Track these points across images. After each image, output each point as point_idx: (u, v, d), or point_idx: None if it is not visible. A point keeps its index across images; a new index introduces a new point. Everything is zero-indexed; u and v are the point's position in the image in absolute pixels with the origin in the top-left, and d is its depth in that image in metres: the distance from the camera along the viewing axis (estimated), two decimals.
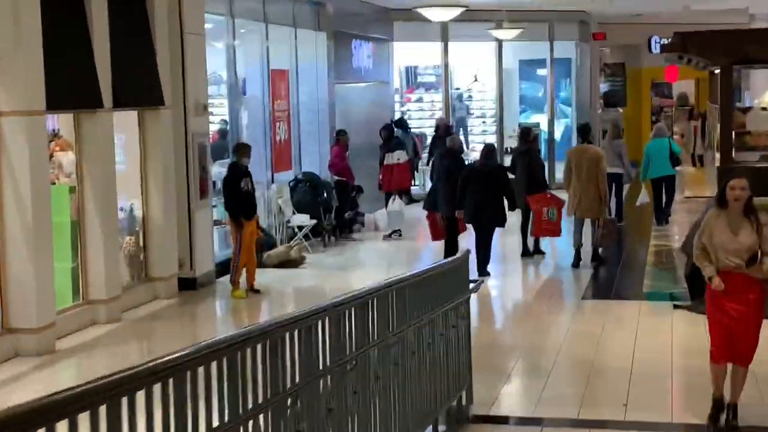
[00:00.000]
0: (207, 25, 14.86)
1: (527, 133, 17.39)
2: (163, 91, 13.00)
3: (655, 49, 29.21)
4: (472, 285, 8.33)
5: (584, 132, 16.50)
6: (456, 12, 15.97)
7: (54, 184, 11.73)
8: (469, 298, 8.31)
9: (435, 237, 15.65)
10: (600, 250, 15.27)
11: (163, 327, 12.21)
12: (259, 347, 4.27)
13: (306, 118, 18.89)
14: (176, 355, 3.56)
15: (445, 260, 8.04)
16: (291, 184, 17.39)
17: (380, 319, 6.05)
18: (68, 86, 10.97)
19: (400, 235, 18.23)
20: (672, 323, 11.15)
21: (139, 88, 12.57)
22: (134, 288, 12.84)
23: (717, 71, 14.04)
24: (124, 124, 12.90)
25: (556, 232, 15.51)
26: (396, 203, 18.45)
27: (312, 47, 19.11)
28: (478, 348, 9.52)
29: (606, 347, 10.31)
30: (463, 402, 7.91)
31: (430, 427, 7.31)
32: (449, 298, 7.65)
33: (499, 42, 25.04)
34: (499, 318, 12.89)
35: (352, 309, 5.55)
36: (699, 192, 18.50)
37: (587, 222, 15.17)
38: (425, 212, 15.90)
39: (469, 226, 14.71)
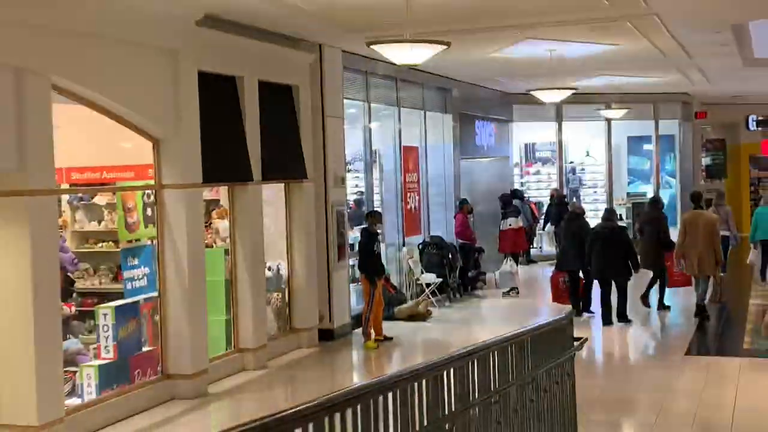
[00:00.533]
0: (350, 110, 14.93)
1: (658, 201, 17.08)
2: (306, 166, 12.99)
3: (753, 126, 28.63)
4: (576, 343, 7.89)
5: (696, 199, 15.88)
6: (566, 94, 15.63)
7: (211, 247, 11.81)
8: (573, 355, 7.88)
9: (555, 298, 15.40)
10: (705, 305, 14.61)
11: (305, 373, 12.01)
12: (390, 394, 4.29)
13: (434, 189, 18.69)
14: (327, 396, 3.76)
15: (552, 320, 7.60)
16: (420, 246, 17.19)
17: (484, 375, 5.70)
18: (222, 163, 10.98)
19: (518, 293, 17.77)
20: None
21: (285, 163, 12.56)
22: (280, 338, 12.74)
23: None
24: (273, 194, 12.93)
25: (688, 282, 15.03)
26: (508, 264, 18.06)
27: (440, 127, 18.99)
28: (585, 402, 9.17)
29: (708, 403, 9.70)
30: None
31: None
32: (554, 356, 7.22)
33: (608, 120, 24.54)
34: (606, 371, 12.26)
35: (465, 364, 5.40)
36: None
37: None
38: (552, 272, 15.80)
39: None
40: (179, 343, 10.23)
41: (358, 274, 14.09)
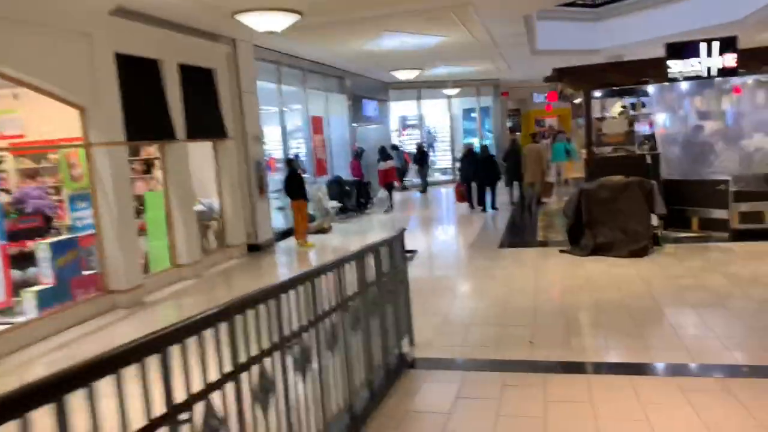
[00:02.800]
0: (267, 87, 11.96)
1: (514, 143, 15.21)
2: (228, 129, 10.03)
3: (537, 99, 26.89)
4: (408, 255, 5.35)
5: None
6: (414, 73, 12.92)
7: (153, 191, 8.93)
8: (405, 266, 5.32)
9: (458, 199, 14.51)
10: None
11: (231, 276, 9.22)
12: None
13: (336, 146, 15.76)
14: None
15: (387, 237, 5.02)
16: (326, 183, 14.47)
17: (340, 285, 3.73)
18: (145, 125, 7.96)
19: (392, 210, 15.24)
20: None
21: (207, 126, 9.51)
22: (218, 252, 9.93)
23: (576, 101, 10.89)
24: (206, 151, 10.02)
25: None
26: (382, 193, 15.57)
27: (338, 104, 15.99)
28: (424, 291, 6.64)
29: (514, 285, 7.25)
30: (405, 348, 4.94)
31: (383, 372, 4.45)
32: (390, 267, 4.73)
33: (449, 98, 21.88)
34: (440, 263, 9.74)
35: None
36: (572, 175, 15.03)
37: None
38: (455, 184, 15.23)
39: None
40: (114, 267, 7.34)
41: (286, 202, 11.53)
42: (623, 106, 9.14)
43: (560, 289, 6.78)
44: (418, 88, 21.02)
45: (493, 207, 13.82)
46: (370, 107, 18.45)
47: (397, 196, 18.87)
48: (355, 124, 17.24)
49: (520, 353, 4.90)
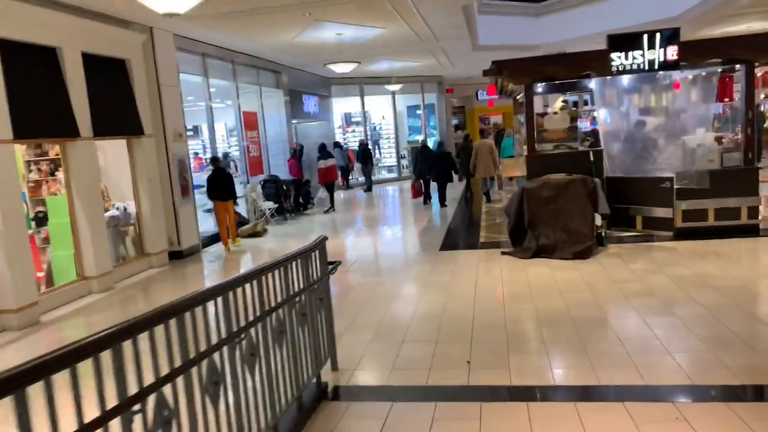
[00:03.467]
0: (192, 81, 11.08)
1: (467, 138, 15.15)
2: (144, 124, 9.11)
3: (482, 97, 26.83)
4: (330, 267, 4.70)
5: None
6: (351, 66, 12.18)
7: (56, 195, 7.98)
8: (328, 278, 4.67)
9: (414, 195, 14.56)
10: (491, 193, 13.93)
11: (146, 288, 8.34)
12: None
13: (273, 142, 14.90)
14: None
15: (306, 246, 4.36)
16: (261, 182, 13.66)
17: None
18: (38, 122, 7.01)
19: (334, 210, 14.57)
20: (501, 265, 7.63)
21: (119, 122, 8.59)
22: (134, 262, 9.03)
23: (518, 96, 10.47)
24: (120, 149, 9.10)
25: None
26: (322, 192, 14.90)
27: (274, 99, 15.15)
28: (356, 303, 6.03)
29: (453, 293, 6.71)
30: (326, 376, 4.24)
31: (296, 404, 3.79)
32: (308, 280, 4.06)
33: (393, 94, 21.34)
34: (377, 270, 9.13)
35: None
36: (514, 173, 14.70)
37: None
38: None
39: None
40: (2, 283, 6.41)
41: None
42: (564, 101, 8.77)
43: (501, 297, 6.28)
44: (360, 84, 20.40)
45: (442, 203, 13.74)
46: (310, 103, 17.70)
47: (340, 195, 18.24)
48: (294, 121, 16.47)
49: (456, 376, 4.33)
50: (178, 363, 2.50)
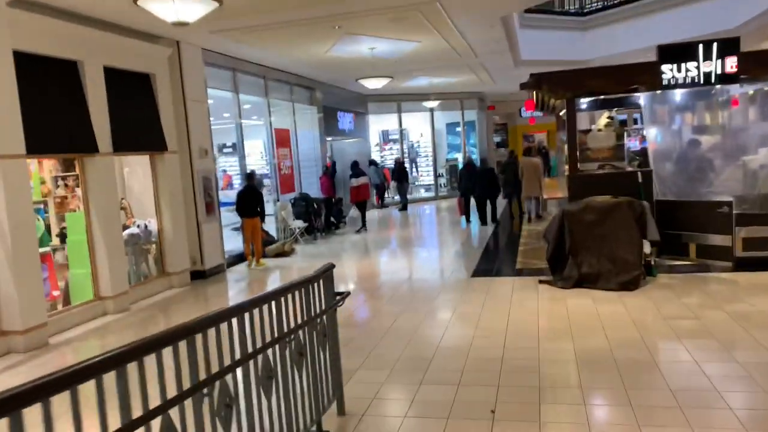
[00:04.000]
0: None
1: (512, 155, 15.09)
2: (168, 140, 8.90)
3: (525, 114, 26.18)
4: (337, 299, 4.22)
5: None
6: (384, 81, 11.70)
7: (75, 211, 7.78)
8: (334, 311, 4.20)
9: (460, 213, 14.15)
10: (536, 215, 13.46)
11: (163, 310, 8.02)
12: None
13: (305, 160, 14.53)
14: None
15: (308, 276, 3.92)
16: (291, 200, 13.36)
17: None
18: (54, 136, 6.81)
19: (366, 230, 14.12)
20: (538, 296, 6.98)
21: (141, 138, 8.38)
22: (155, 281, 8.77)
23: (562, 113, 9.86)
24: (145, 165, 8.91)
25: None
26: (352, 211, 14.52)
27: (308, 115, 14.85)
28: (375, 334, 5.52)
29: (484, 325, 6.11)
30: (330, 423, 3.75)
31: None
32: (309, 314, 3.63)
33: (431, 111, 20.88)
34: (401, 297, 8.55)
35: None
36: (554, 194, 13.93)
37: None
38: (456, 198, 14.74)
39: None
40: (8, 303, 6.18)
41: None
42: (610, 118, 8.11)
43: (535, 333, 5.66)
44: (398, 101, 20.06)
45: (494, 220, 13.51)
46: (346, 120, 17.41)
47: (374, 214, 17.82)
48: (328, 138, 16.19)
49: (477, 428, 3.77)
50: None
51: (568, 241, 7.47)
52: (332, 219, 14.41)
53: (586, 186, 7.80)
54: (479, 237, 12.29)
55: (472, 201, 13.88)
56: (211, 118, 10.18)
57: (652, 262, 7.46)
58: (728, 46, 7.13)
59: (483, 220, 13.45)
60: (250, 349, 2.98)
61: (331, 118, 16.04)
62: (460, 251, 10.84)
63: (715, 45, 7.13)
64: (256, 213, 10.24)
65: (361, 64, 11.90)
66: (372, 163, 18.92)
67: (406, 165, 20.85)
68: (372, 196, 19.37)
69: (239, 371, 2.87)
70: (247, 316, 3.04)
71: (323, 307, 3.89)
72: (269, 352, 3.16)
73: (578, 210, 7.51)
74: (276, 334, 3.26)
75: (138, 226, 8.70)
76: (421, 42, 10.79)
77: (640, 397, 4.05)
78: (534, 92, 8.38)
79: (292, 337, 3.44)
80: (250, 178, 10.51)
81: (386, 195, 19.84)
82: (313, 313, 3.72)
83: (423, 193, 21.88)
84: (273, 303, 3.29)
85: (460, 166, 22.08)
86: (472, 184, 13.51)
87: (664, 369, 4.57)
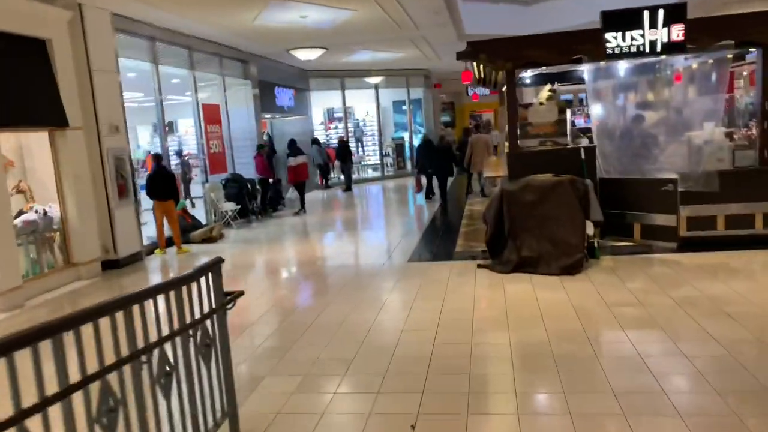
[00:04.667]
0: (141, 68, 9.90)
1: (468, 132, 15.12)
2: (69, 115, 7.90)
3: (471, 92, 25.74)
4: (227, 299, 3.53)
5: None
6: (318, 53, 10.80)
7: None
8: (224, 314, 3.51)
9: (418, 189, 13.58)
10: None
11: (59, 305, 7.12)
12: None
13: (239, 138, 13.56)
14: None
15: (186, 273, 3.23)
16: (222, 182, 12.47)
17: None
18: None
19: (305, 212, 13.39)
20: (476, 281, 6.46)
21: (34, 112, 7.37)
22: (59, 273, 7.83)
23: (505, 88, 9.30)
24: (42, 143, 7.90)
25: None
26: (291, 192, 13.73)
27: (241, 91, 13.91)
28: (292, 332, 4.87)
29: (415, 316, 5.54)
30: None
31: None
32: (185, 321, 2.94)
33: (376, 88, 20.09)
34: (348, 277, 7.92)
35: None
36: (496, 173, 13.48)
37: None
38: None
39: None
40: None
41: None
42: (552, 90, 7.58)
43: (469, 325, 5.11)
44: (341, 77, 19.20)
45: (443, 196, 13.10)
46: (285, 96, 16.49)
47: (318, 195, 17.09)
48: (267, 115, 15.26)
49: None
50: None
51: (507, 222, 6.96)
52: (268, 201, 13.60)
53: (527, 164, 7.29)
54: (421, 217, 11.76)
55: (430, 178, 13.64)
56: (140, 93, 9.20)
57: (596, 244, 7.04)
58: (675, 12, 6.68)
59: (444, 198, 13.12)
60: (93, 371, 2.28)
61: (268, 93, 15.10)
62: (399, 233, 10.25)
63: (661, 12, 6.67)
64: (168, 195, 9.36)
65: (294, 34, 11.06)
66: (315, 142, 18.11)
67: (352, 144, 20.14)
68: (315, 177, 18.61)
69: (77, 397, 2.17)
70: (82, 329, 2.34)
71: (208, 311, 3.20)
72: (118, 373, 2.46)
73: (518, 189, 7.00)
74: (132, 350, 2.56)
75: (36, 212, 7.72)
76: (356, 11, 10.04)
77: (580, 404, 3.54)
78: (473, 64, 7.78)
79: (151, 353, 2.74)
80: (157, 159, 9.62)
81: (330, 175, 19.10)
82: (191, 320, 3.03)
83: (370, 173, 21.20)
84: (130, 310, 2.58)
85: (407, 144, 21.62)
86: (429, 161, 13.21)
87: (607, 366, 4.09)
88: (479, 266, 7.07)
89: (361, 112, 22.07)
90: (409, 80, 21.05)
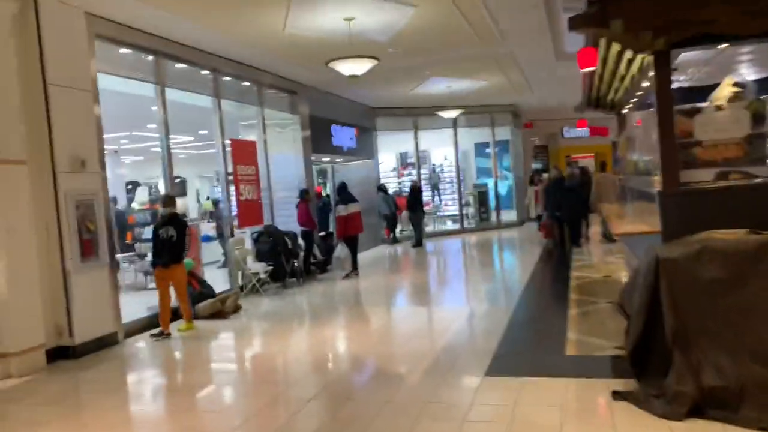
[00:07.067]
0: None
1: (584, 171, 14.09)
2: (5, 144, 5.69)
3: (568, 134, 22.48)
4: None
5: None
6: (368, 65, 8.15)
7: None
8: None
9: (546, 236, 12.44)
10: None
11: None
12: None
13: (282, 183, 11.21)
14: None
15: None
16: (253, 236, 10.00)
17: None
18: None
19: (357, 274, 10.61)
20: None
21: None
22: None
23: (625, 109, 6.23)
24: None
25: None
26: (340, 249, 10.97)
27: (286, 125, 11.64)
28: None
29: None
30: None
31: None
32: None
33: (454, 128, 17.30)
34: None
35: None
36: (625, 228, 9.69)
37: None
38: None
39: None
40: None
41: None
42: (737, 84, 4.48)
43: None
44: (413, 116, 16.62)
45: (577, 242, 11.94)
46: (344, 135, 14.07)
47: (381, 251, 14.35)
48: (325, 159, 12.82)
49: None
50: None
51: (671, 319, 3.80)
52: (316, 258, 10.94)
53: (697, 211, 4.16)
54: (515, 287, 8.65)
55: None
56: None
57: None
58: None
59: (574, 242, 11.80)
60: None
61: (321, 131, 12.70)
62: (482, 313, 7.17)
63: None
64: (173, 258, 6.92)
65: (335, 44, 8.46)
66: (381, 189, 15.54)
67: (427, 192, 17.41)
68: (381, 230, 15.95)
69: None
70: None
71: None
72: None
73: (688, 258, 3.86)
74: None
75: None
76: (417, 6, 7.40)
77: None
78: (594, 42, 4.79)
79: None
80: (168, 201, 7.21)
81: (399, 227, 16.35)
82: None
83: (448, 225, 18.25)
84: None
85: (492, 192, 18.55)
86: (560, 203, 11.76)
87: None
88: (616, 397, 3.91)
89: (438, 155, 19.39)
90: (494, 119, 18.16)
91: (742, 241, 3.83)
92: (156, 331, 6.94)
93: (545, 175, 16.41)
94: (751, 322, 3.62)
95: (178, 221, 7.01)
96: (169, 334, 6.83)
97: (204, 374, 5.73)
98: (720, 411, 3.52)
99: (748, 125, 4.30)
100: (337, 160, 14.48)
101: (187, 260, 7.74)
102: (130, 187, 13.34)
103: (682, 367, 3.69)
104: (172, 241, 6.88)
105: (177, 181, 16.82)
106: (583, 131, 22.28)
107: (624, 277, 8.31)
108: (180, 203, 16.44)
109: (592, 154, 23.62)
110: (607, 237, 12.28)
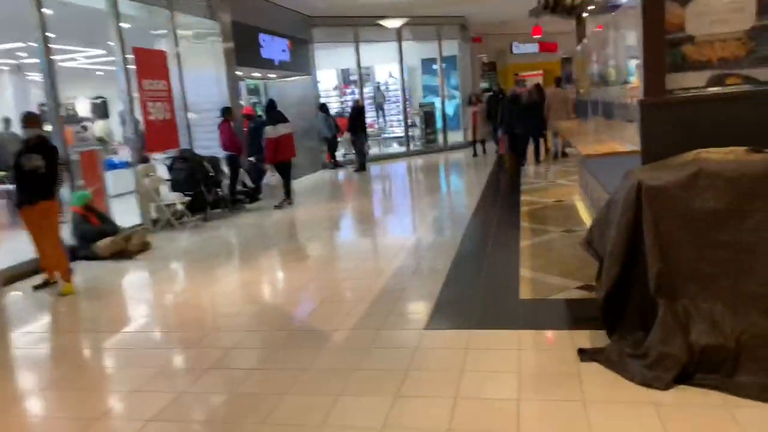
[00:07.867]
0: None
1: (539, 88, 12.68)
2: None
3: (516, 49, 21.60)
4: None
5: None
6: None
7: None
8: None
9: (502, 152, 12.21)
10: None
11: None
12: None
13: (202, 100, 9.86)
14: None
15: None
16: (167, 162, 8.78)
17: None
18: None
19: (291, 203, 9.61)
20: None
21: None
22: None
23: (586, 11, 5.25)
24: None
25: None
26: (270, 174, 9.89)
27: (205, 37, 10.13)
28: None
29: None
30: None
31: None
32: None
33: (399, 42, 15.93)
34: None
35: None
36: (596, 148, 8.78)
37: None
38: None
39: None
40: None
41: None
42: None
43: None
44: (354, 26, 15.13)
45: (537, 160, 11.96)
46: (275, 47, 12.58)
47: (321, 177, 13.35)
48: (255, 74, 11.41)
49: None
50: None
51: (656, 261, 3.03)
52: (245, 186, 9.83)
53: (687, 127, 3.34)
54: (462, 214, 7.86)
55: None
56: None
57: None
58: None
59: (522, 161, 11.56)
60: None
61: (247, 42, 11.20)
62: (426, 246, 6.36)
63: None
64: (47, 193, 5.59)
65: None
66: (322, 109, 14.30)
67: (371, 113, 16.26)
68: (322, 154, 14.84)
69: None
70: None
71: None
72: None
73: (679, 184, 3.05)
74: None
75: None
76: None
77: None
78: None
79: None
80: (29, 121, 5.76)
81: (339, 151, 15.29)
82: None
83: (394, 148, 17.24)
84: None
85: (439, 112, 17.53)
86: (518, 120, 11.37)
87: None
88: (583, 355, 3.17)
89: (382, 73, 18.06)
90: (441, 31, 16.85)
91: (745, 163, 3.02)
92: (40, 281, 5.82)
93: (486, 95, 15.59)
94: (757, 262, 2.87)
95: (46, 147, 5.62)
96: (55, 282, 5.73)
97: (82, 337, 4.74)
98: (713, 376, 2.81)
99: (753, 14, 3.41)
100: (270, 75, 13.08)
101: (81, 192, 6.53)
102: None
103: (667, 322, 2.94)
104: (38, 173, 5.52)
105: (99, 101, 15.19)
106: (533, 46, 21.26)
107: (577, 200, 7.64)
108: (102, 125, 14.87)
109: (542, 72, 22.79)
110: (557, 155, 12.26)
